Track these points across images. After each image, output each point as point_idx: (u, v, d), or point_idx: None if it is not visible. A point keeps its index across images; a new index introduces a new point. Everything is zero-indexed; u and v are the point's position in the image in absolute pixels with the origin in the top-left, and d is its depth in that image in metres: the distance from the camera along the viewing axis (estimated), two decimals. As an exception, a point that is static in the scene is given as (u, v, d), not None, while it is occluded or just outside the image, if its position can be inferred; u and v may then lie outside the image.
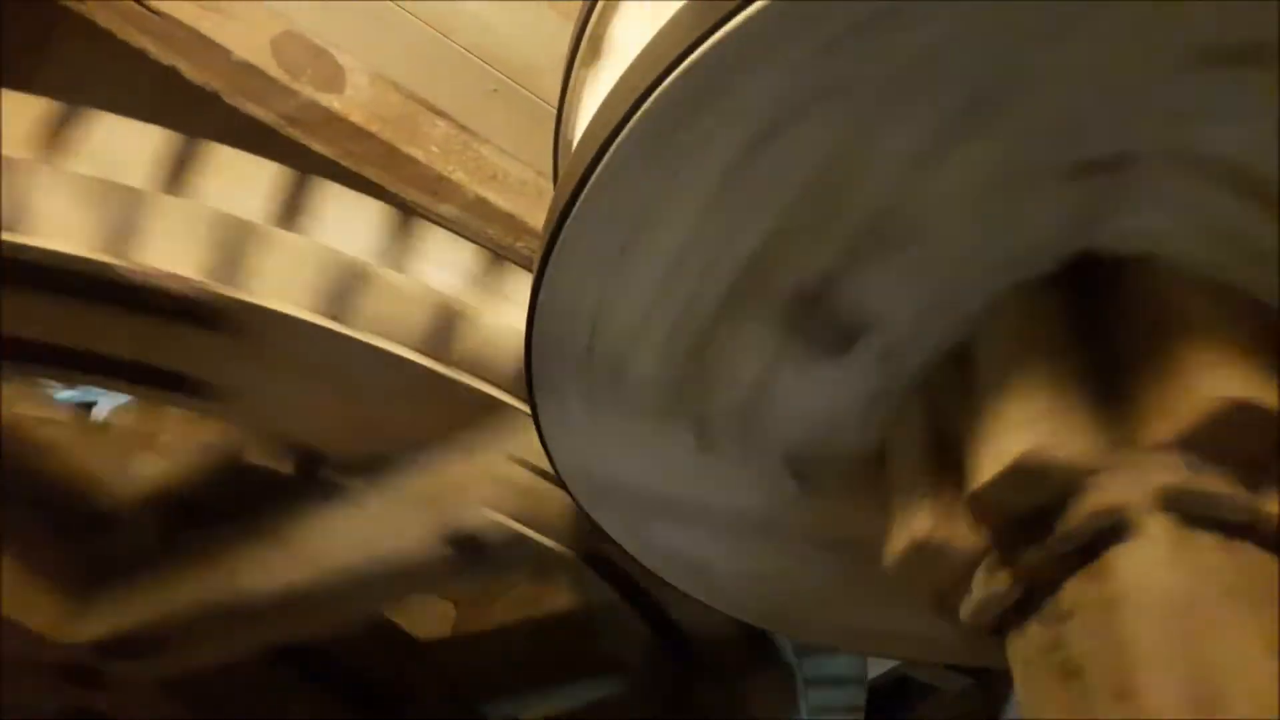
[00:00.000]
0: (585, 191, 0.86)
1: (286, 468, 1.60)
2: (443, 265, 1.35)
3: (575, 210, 0.88)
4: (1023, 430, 0.82)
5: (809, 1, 0.72)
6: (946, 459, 0.91)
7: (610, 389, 1.04)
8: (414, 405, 1.37)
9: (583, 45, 1.08)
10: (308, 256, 1.28)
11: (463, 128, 1.97)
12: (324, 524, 1.53)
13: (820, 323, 0.95)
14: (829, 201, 0.86)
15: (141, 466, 1.70)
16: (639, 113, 0.81)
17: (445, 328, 1.32)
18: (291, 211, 1.30)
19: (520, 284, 1.40)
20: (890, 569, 0.94)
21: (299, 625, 1.67)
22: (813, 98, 0.79)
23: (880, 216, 0.87)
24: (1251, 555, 0.76)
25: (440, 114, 1.95)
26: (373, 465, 1.46)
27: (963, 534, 0.87)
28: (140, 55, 1.74)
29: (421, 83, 1.94)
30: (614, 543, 1.29)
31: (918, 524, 0.90)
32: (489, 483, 1.41)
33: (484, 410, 1.36)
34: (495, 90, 2.02)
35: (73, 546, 1.65)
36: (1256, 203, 0.82)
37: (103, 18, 1.71)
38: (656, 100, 0.79)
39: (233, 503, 1.63)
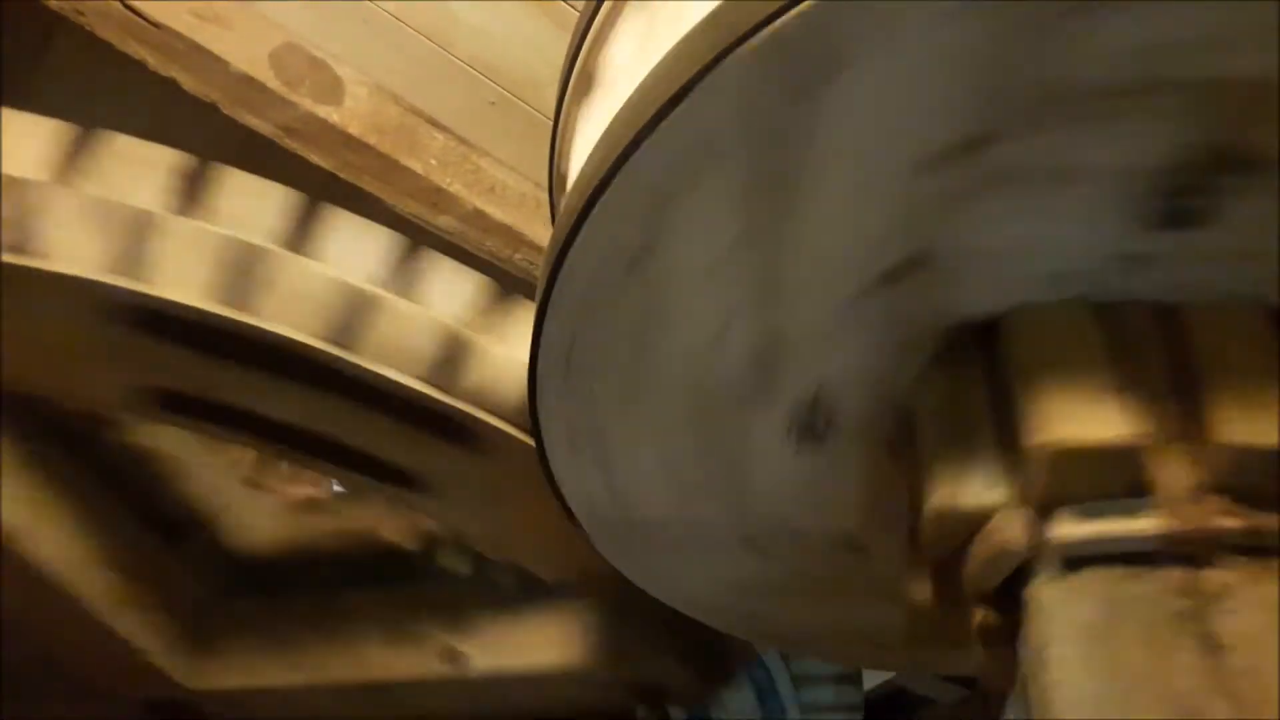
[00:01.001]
0: (584, 225, 0.87)
1: (464, 568, 1.59)
2: (447, 294, 1.34)
3: (577, 240, 0.88)
4: (936, 484, 0.86)
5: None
6: (916, 521, 0.94)
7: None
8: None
9: (573, 78, 1.09)
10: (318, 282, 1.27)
11: (461, 140, 1.97)
12: (487, 629, 1.53)
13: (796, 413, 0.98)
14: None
15: (270, 513, 1.69)
16: (633, 155, 0.81)
17: (452, 360, 1.32)
18: (302, 236, 1.29)
19: (525, 315, 1.40)
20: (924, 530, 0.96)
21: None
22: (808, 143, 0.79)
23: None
24: (1154, 578, 0.76)
25: (439, 126, 1.95)
26: (546, 585, 1.47)
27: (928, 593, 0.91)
28: (139, 67, 1.74)
29: (420, 95, 1.94)
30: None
31: (909, 589, 0.93)
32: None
33: None
34: (494, 103, 2.02)
35: (203, 590, 1.64)
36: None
37: (102, 29, 1.71)
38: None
39: (355, 572, 1.63)
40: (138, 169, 1.27)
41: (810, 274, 0.86)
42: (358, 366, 1.21)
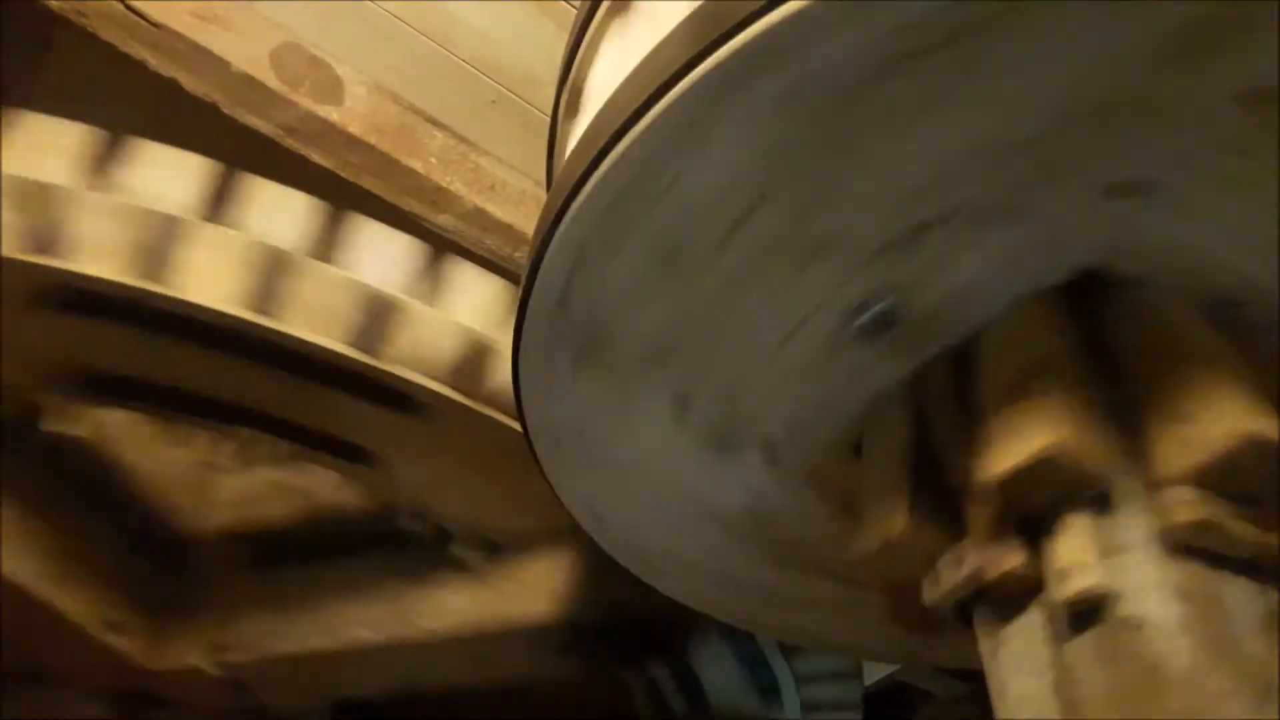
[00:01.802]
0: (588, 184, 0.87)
1: (423, 530, 1.60)
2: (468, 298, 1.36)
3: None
4: (1044, 429, 0.83)
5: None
6: (925, 459, 0.94)
7: (591, 355, 1.04)
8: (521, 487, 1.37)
9: (564, 98, 1.10)
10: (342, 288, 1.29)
11: (461, 138, 1.97)
12: (441, 592, 1.54)
13: (858, 302, 0.96)
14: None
15: (225, 495, 1.70)
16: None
17: (474, 362, 1.33)
18: (328, 245, 1.31)
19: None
20: (857, 560, 0.95)
21: (391, 682, 1.67)
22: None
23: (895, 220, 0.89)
24: (1250, 586, 0.77)
25: (439, 125, 1.96)
26: (501, 546, 1.47)
27: (931, 534, 0.90)
28: (140, 67, 1.74)
29: (420, 94, 1.95)
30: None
31: (891, 522, 0.92)
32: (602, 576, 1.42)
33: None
34: (494, 101, 2.03)
35: (155, 569, 1.64)
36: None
37: (103, 30, 1.71)
38: (762, 26, 0.78)
39: (319, 546, 1.63)
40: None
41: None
42: (283, 334, 1.22)
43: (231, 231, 1.24)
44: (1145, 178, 0.83)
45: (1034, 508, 0.83)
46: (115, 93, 1.78)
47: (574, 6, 1.89)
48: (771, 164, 0.84)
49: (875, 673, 2.44)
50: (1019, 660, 0.82)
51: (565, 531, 1.35)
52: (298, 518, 1.68)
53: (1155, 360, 0.84)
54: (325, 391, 1.29)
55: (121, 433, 1.66)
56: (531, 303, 0.99)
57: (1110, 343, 0.88)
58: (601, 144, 0.85)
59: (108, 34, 1.72)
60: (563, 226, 0.90)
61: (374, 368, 1.25)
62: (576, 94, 1.10)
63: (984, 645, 0.87)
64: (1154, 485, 0.80)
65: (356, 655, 1.57)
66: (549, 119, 1.24)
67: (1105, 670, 0.76)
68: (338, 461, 1.41)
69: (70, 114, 1.40)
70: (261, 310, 1.24)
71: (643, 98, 0.80)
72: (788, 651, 1.77)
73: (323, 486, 1.67)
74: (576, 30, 1.09)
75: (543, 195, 1.95)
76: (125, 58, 1.74)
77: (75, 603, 1.55)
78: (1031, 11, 0.73)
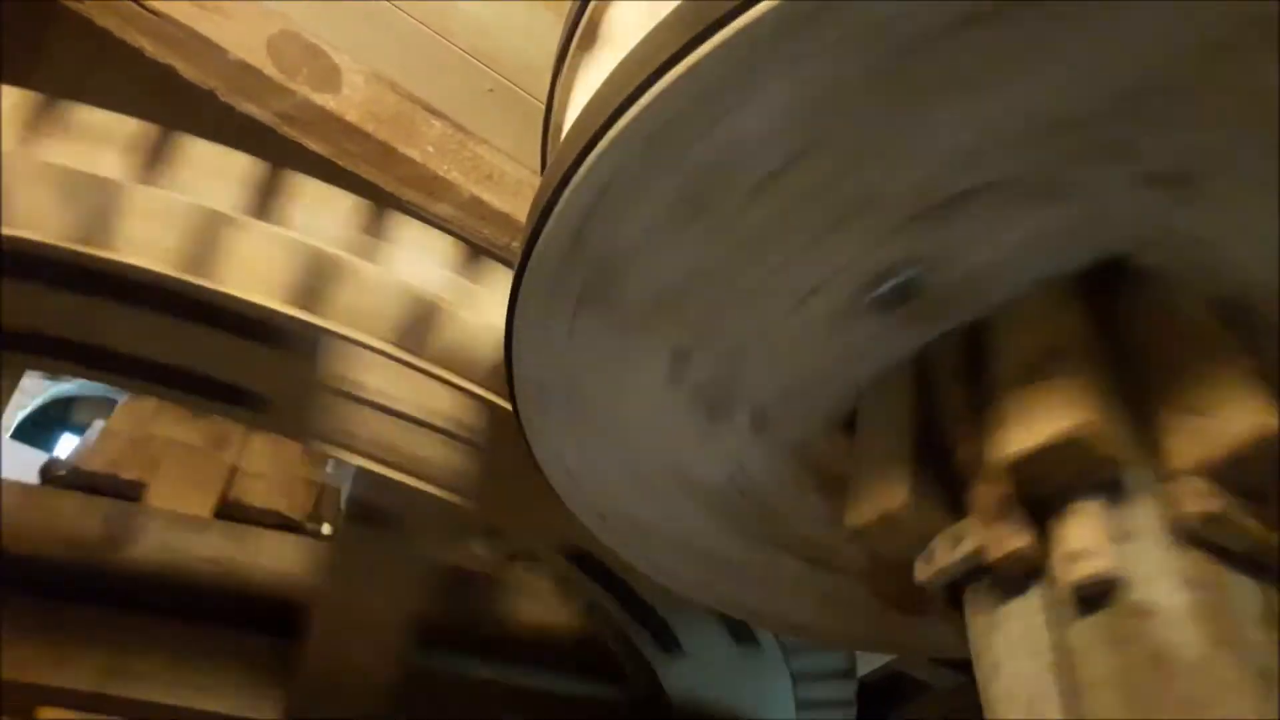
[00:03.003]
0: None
1: None
2: (425, 260, 1.37)
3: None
4: (1062, 412, 0.83)
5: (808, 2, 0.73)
6: (927, 436, 0.94)
7: (597, 299, 1.02)
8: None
9: (579, 30, 1.08)
10: (385, 288, 1.31)
11: (459, 127, 1.97)
12: None
13: (881, 271, 0.95)
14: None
15: None
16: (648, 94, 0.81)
17: (422, 322, 1.34)
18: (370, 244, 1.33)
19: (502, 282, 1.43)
20: (850, 532, 0.95)
21: None
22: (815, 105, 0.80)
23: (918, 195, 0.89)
24: (1252, 578, 0.78)
25: (436, 113, 1.96)
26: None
27: (930, 510, 0.90)
28: (137, 54, 1.74)
29: (418, 82, 1.95)
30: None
31: (892, 495, 0.91)
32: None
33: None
34: (491, 90, 2.03)
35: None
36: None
37: (100, 17, 1.71)
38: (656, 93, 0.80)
39: None
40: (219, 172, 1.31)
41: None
42: (209, 290, 1.24)
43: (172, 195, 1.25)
44: (1183, 170, 0.84)
45: (1044, 490, 0.84)
46: (112, 79, 1.78)
47: (572, -4, 1.89)
48: (828, 110, 0.82)
49: (870, 664, 2.44)
50: (1016, 641, 0.82)
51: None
52: None
53: (1170, 352, 0.85)
54: (248, 345, 1.31)
55: None
56: (542, 240, 0.96)
57: (1125, 332, 0.88)
58: (646, 75, 0.81)
59: (105, 21, 1.72)
60: (591, 158, 0.87)
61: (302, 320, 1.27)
62: (593, 27, 1.07)
63: (976, 626, 0.86)
64: (1166, 475, 0.80)
65: None
66: (552, 73, 1.24)
67: (1112, 654, 0.76)
68: (231, 408, 1.43)
69: (67, 100, 1.40)
70: (195, 270, 1.25)
71: (698, 29, 0.78)
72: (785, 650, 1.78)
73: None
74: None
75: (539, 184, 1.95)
76: (122, 45, 1.73)
77: None
78: None
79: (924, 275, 0.94)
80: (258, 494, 2.10)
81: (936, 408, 0.96)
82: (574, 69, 1.12)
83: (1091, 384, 0.84)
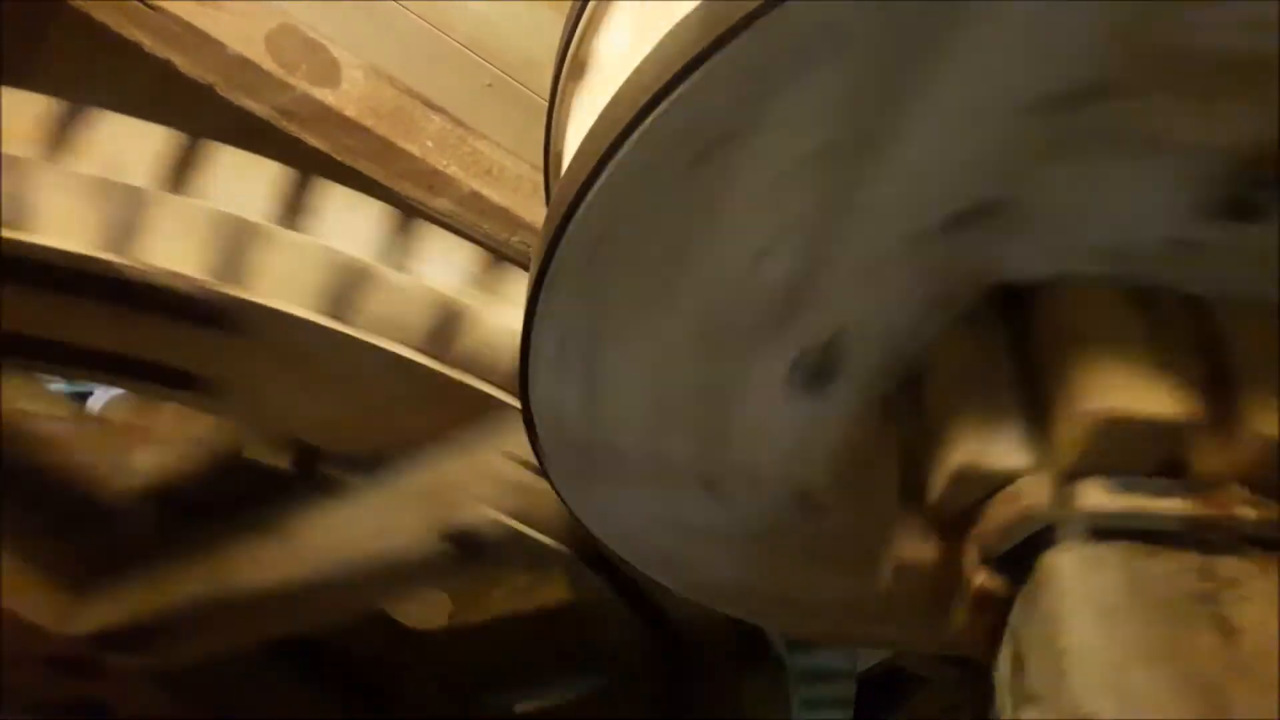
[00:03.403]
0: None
1: (284, 463, 1.61)
2: (442, 265, 1.36)
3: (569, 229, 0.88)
4: (957, 446, 0.86)
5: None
6: (912, 480, 0.95)
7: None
8: (412, 404, 1.37)
9: (568, 60, 1.09)
10: (309, 256, 1.29)
11: (458, 122, 1.97)
12: (321, 520, 1.54)
13: (804, 357, 0.98)
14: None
15: (138, 460, 1.70)
16: (626, 144, 0.81)
17: (445, 327, 1.33)
18: (293, 211, 1.31)
19: (518, 284, 1.41)
20: (889, 593, 0.96)
21: (295, 620, 1.68)
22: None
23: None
24: (1177, 558, 0.78)
25: (435, 108, 1.95)
26: (371, 462, 1.47)
27: (931, 552, 0.92)
28: (136, 49, 1.74)
29: (417, 77, 1.94)
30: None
31: (899, 546, 0.94)
32: (486, 480, 1.42)
33: (481, 409, 1.37)
34: (491, 85, 2.02)
35: (70, 540, 1.65)
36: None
37: (98, 12, 1.71)
38: (642, 134, 0.79)
39: (229, 497, 1.64)
40: (133, 146, 1.29)
41: (883, 202, 0.84)
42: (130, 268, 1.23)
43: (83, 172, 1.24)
44: (981, 204, 0.84)
45: (966, 516, 0.87)
46: (110, 75, 1.78)
47: (572, -10, 1.88)
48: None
49: (869, 659, 2.45)
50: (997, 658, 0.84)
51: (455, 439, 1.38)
52: (199, 473, 1.70)
53: (1054, 354, 0.85)
54: (164, 322, 1.30)
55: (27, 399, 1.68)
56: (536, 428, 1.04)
57: (1030, 347, 0.89)
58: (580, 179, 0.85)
59: (103, 16, 1.72)
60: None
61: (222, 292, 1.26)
62: (582, 57, 1.08)
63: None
64: (1062, 475, 0.81)
65: (247, 598, 1.57)
66: (547, 104, 1.24)
67: (1038, 661, 0.77)
68: (167, 390, 1.42)
69: (65, 96, 1.39)
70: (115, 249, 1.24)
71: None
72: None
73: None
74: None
75: (541, 180, 1.94)
76: (121, 39, 1.73)
77: None
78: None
79: (832, 352, 0.97)
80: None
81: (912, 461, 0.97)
82: (567, 98, 1.13)
83: (988, 409, 0.86)
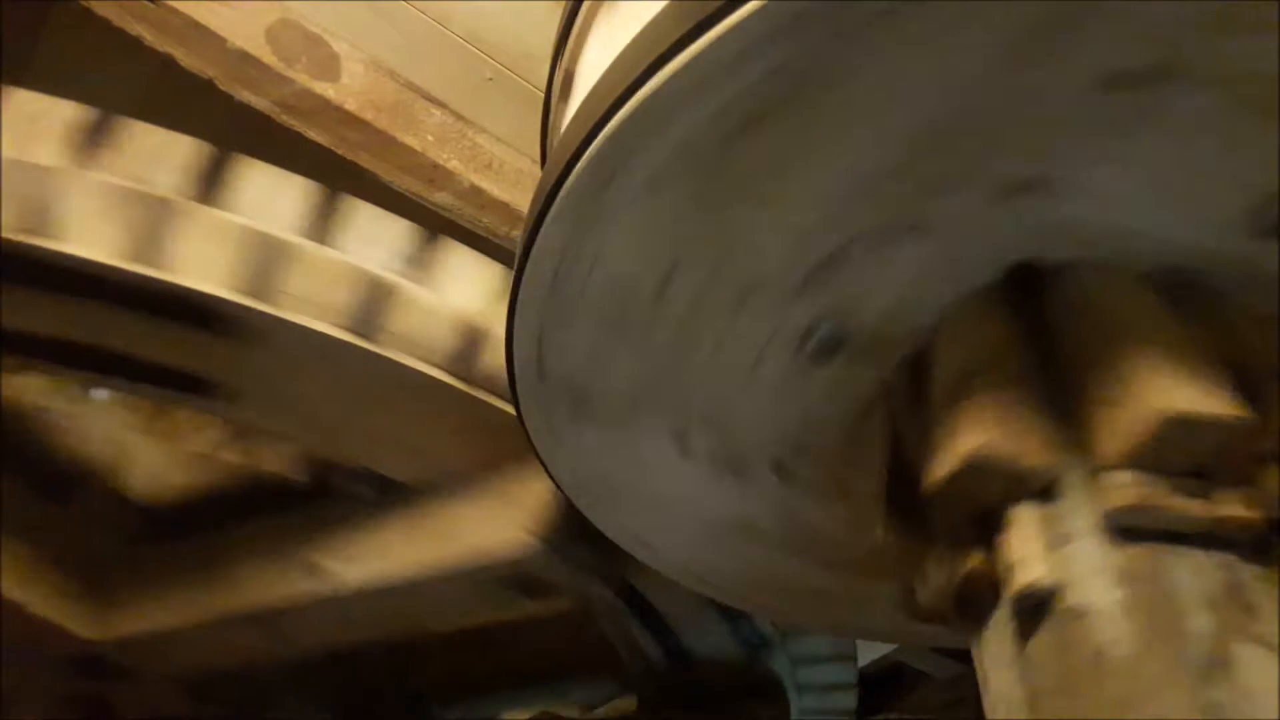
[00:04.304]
0: (554, 206, 0.89)
1: (300, 478, 1.60)
2: (465, 282, 1.36)
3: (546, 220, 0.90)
4: (975, 431, 0.84)
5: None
6: (902, 462, 0.95)
7: (584, 414, 1.08)
8: (444, 425, 1.36)
9: (557, 80, 1.12)
10: (334, 271, 1.29)
11: (458, 116, 1.97)
12: (352, 542, 1.53)
13: (802, 331, 0.98)
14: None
15: (159, 465, 1.70)
16: (599, 136, 0.83)
17: (468, 346, 1.33)
18: (322, 225, 1.31)
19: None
20: (864, 562, 0.96)
21: (319, 638, 1.67)
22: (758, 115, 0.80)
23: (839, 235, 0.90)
24: (1204, 560, 0.77)
25: (436, 102, 1.95)
26: (405, 488, 1.47)
27: (910, 541, 0.91)
28: (136, 43, 1.74)
29: (417, 71, 1.94)
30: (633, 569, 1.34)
31: (876, 531, 0.93)
32: (530, 514, 1.41)
33: (510, 433, 1.36)
34: (491, 79, 2.02)
35: (95, 542, 1.65)
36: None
37: (98, 6, 1.71)
38: (612, 129, 0.82)
39: (245, 508, 1.63)
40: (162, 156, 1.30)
41: (947, 162, 0.84)
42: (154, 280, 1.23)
43: (112, 180, 1.24)
44: (1035, 174, 0.84)
45: (983, 507, 0.84)
46: (111, 69, 1.78)
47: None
48: (668, 236, 0.90)
49: (870, 653, 2.45)
50: (995, 656, 0.83)
51: (494, 469, 1.37)
52: (215, 483, 1.70)
53: (1091, 344, 0.84)
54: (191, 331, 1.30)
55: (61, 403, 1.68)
56: (516, 373, 1.06)
57: (1053, 333, 0.88)
58: (524, 240, 0.94)
59: (103, 10, 1.72)
60: (518, 312, 1.00)
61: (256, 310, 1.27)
62: (569, 77, 1.10)
63: (971, 642, 0.88)
64: (1096, 471, 0.80)
65: (269, 615, 1.57)
66: (544, 96, 1.24)
67: (1057, 661, 0.76)
68: (184, 396, 1.42)
69: (66, 91, 1.39)
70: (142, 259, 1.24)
71: (549, 186, 0.88)
72: (784, 635, 1.78)
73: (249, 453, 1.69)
74: (566, 17, 1.09)
75: (539, 173, 1.94)
76: (121, 34, 1.73)
77: (16, 583, 1.57)
78: (864, 59, 0.75)
79: (840, 325, 0.97)
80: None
81: (901, 438, 0.96)
82: (557, 118, 1.16)
83: (1010, 395, 0.84)
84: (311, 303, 1.27)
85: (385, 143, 1.90)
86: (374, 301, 1.30)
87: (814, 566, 1.24)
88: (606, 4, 1.05)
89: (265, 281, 1.27)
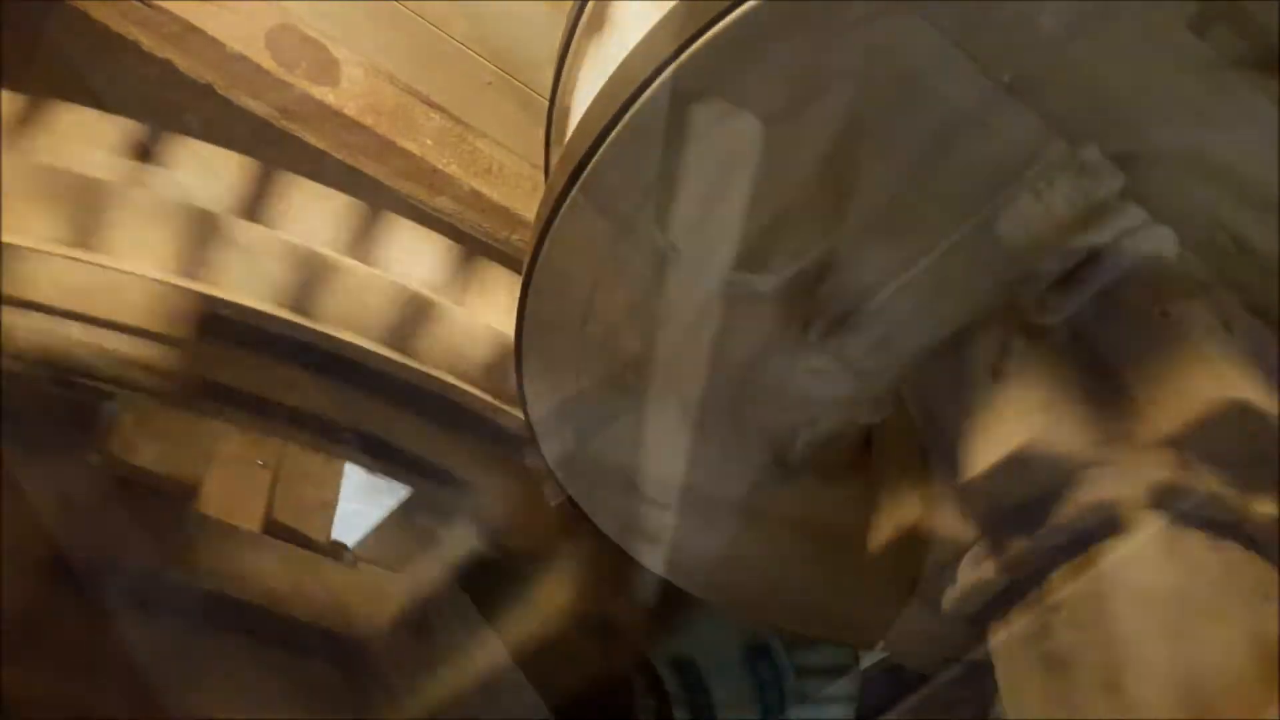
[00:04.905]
0: (589, 168, 0.86)
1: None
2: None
3: (577, 186, 0.88)
4: (1019, 422, 0.83)
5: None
6: (937, 448, 0.93)
7: (603, 367, 1.06)
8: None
9: (586, 13, 1.08)
10: (378, 289, 1.32)
11: (458, 120, 1.96)
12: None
13: (817, 307, 0.97)
14: (836, 185, 0.88)
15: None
16: (640, 100, 0.82)
17: None
18: (361, 244, 1.34)
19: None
20: (874, 555, 0.95)
21: None
22: (818, 87, 0.79)
23: (885, 204, 0.89)
24: (1239, 554, 0.77)
25: (435, 107, 1.95)
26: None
27: (950, 523, 0.89)
28: (135, 48, 1.74)
29: (416, 76, 1.94)
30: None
31: (905, 512, 0.91)
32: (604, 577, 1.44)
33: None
34: (490, 83, 2.02)
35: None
36: (1254, 211, 0.83)
37: (98, 11, 1.70)
38: (657, 89, 0.81)
39: None
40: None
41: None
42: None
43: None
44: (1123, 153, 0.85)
45: (1021, 499, 0.84)
46: (110, 74, 1.77)
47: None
48: None
49: (871, 655, 2.44)
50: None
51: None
52: None
53: (1139, 334, 0.84)
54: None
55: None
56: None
57: (1096, 326, 0.88)
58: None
59: (103, 15, 1.72)
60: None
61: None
62: (601, 11, 1.09)
63: (994, 636, 0.87)
64: (1138, 454, 0.80)
65: None
66: (547, 101, 1.24)
67: (1087, 634, 0.76)
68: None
69: (65, 95, 1.39)
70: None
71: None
72: (788, 645, 1.78)
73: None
74: (564, 38, 1.10)
75: (540, 178, 1.94)
76: (120, 39, 1.73)
77: None
78: None
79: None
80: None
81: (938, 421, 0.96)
82: (580, 54, 1.13)
83: (1051, 391, 0.85)
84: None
85: (384, 147, 1.89)
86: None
87: (826, 567, 1.24)
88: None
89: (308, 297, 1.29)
